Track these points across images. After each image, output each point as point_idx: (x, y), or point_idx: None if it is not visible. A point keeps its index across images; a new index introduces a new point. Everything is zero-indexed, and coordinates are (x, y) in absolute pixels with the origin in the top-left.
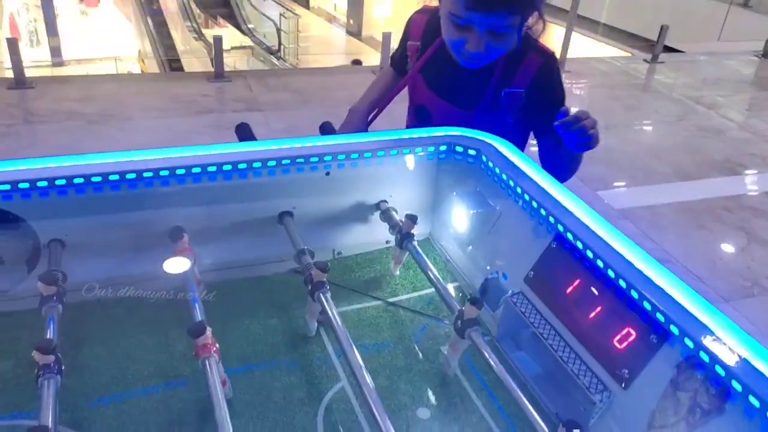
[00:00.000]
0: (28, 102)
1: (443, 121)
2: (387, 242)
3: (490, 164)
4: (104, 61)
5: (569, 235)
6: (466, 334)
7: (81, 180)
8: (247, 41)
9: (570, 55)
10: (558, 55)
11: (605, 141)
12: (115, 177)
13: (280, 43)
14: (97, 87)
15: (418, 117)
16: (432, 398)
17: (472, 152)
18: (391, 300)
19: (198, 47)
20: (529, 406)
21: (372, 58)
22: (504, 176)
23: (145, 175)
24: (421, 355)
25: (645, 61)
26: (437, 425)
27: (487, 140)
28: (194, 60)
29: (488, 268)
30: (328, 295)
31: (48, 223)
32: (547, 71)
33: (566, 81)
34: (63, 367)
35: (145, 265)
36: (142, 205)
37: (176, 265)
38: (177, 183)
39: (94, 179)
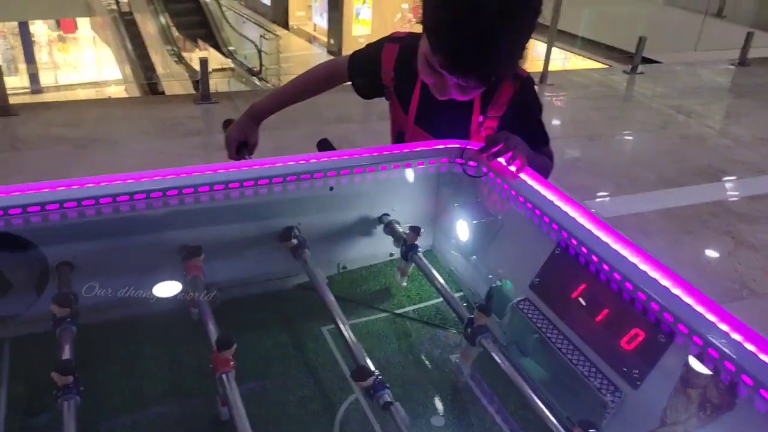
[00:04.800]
0: (13, 129)
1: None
2: (391, 255)
3: (491, 174)
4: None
5: (573, 241)
6: (476, 341)
7: (90, 202)
8: (227, 63)
9: (551, 68)
10: (540, 69)
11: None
12: (124, 198)
13: (261, 64)
14: (83, 112)
15: (400, 143)
16: (445, 406)
17: (472, 164)
18: (398, 311)
19: (179, 70)
20: (544, 410)
21: None
22: (505, 186)
23: (153, 195)
24: (431, 364)
25: (624, 72)
26: (451, 431)
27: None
28: (175, 83)
29: (490, 276)
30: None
31: (56, 246)
32: (522, 94)
33: (548, 94)
34: (81, 388)
35: (154, 286)
36: (150, 226)
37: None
38: (185, 202)
39: (103, 201)
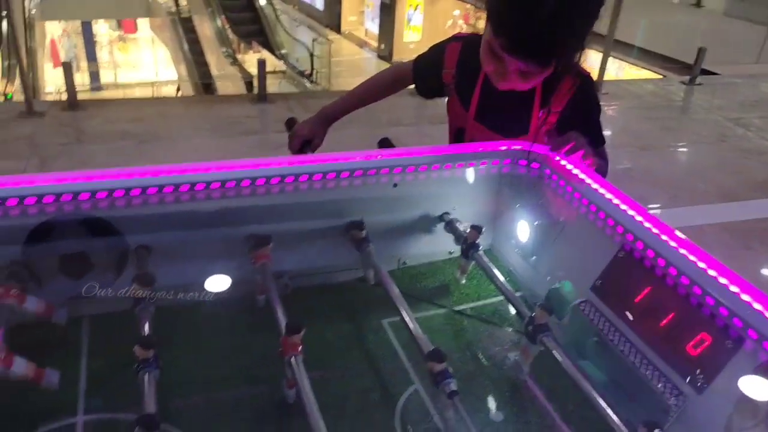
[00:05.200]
0: (79, 123)
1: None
2: (450, 252)
3: (554, 176)
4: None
5: (639, 244)
6: (537, 339)
7: (169, 189)
8: (279, 66)
9: (605, 77)
10: (595, 77)
11: (645, 162)
12: (201, 186)
13: (312, 68)
14: (145, 109)
15: (459, 140)
16: (504, 403)
17: (535, 165)
18: (457, 308)
19: (233, 72)
20: (607, 409)
21: None
22: (569, 188)
23: (227, 185)
24: (489, 361)
25: (682, 83)
26: (512, 428)
27: (549, 153)
28: (228, 84)
29: (548, 278)
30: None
31: (135, 230)
32: (583, 91)
33: (603, 103)
34: (161, 363)
35: (226, 272)
36: (223, 214)
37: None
38: (256, 192)
39: (182, 189)
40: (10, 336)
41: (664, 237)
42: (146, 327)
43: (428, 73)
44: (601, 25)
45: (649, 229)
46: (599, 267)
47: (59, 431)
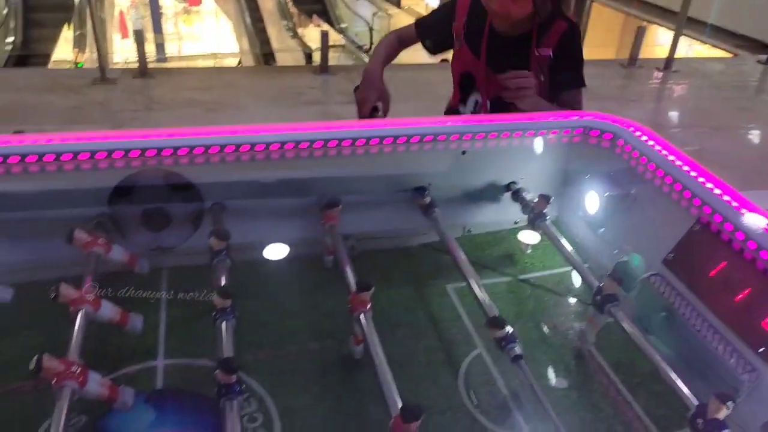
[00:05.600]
0: (149, 90)
1: (486, 84)
2: (515, 222)
3: (627, 147)
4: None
5: (717, 217)
6: (605, 309)
7: (246, 148)
8: (339, 40)
9: (677, 55)
10: (665, 55)
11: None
12: (275, 147)
13: (371, 42)
14: (212, 78)
15: (463, 83)
16: (568, 371)
17: (608, 136)
18: (521, 277)
19: (293, 45)
20: (677, 381)
21: None
22: (643, 159)
23: (301, 146)
24: (554, 330)
25: (758, 62)
26: (575, 394)
27: (624, 125)
28: (288, 57)
29: (616, 251)
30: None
31: (211, 187)
32: (570, 35)
33: (672, 81)
34: (237, 313)
35: (295, 232)
36: (294, 175)
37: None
38: (327, 155)
39: (258, 148)
40: (99, 283)
41: (743, 211)
42: (223, 279)
43: (439, 28)
44: (673, 2)
45: (729, 202)
46: (672, 240)
47: (141, 373)
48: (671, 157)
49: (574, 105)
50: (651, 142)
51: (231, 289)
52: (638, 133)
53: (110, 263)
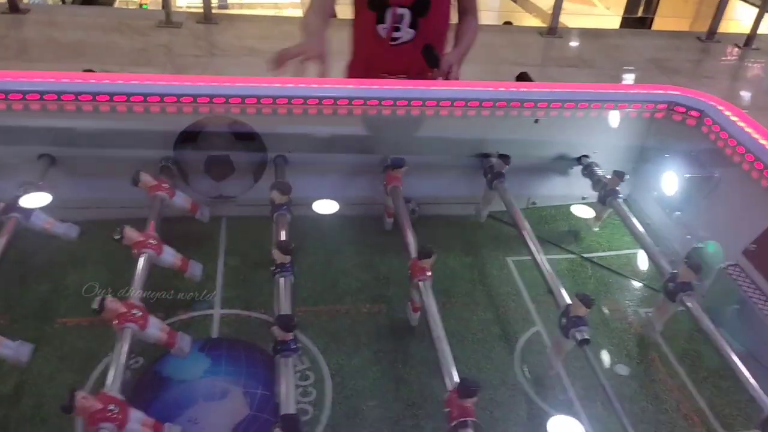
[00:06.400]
0: (212, 36)
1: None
2: (583, 198)
3: (715, 127)
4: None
5: None
6: (678, 297)
7: (314, 101)
8: None
9: (761, 30)
10: (747, 31)
11: None
12: (344, 102)
13: None
14: (272, 28)
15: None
16: (630, 357)
17: (694, 113)
18: (586, 255)
19: None
20: (750, 379)
21: (525, 19)
22: (731, 141)
23: (369, 103)
24: (618, 313)
25: None
26: (636, 382)
27: (712, 102)
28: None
29: (689, 237)
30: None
31: (275, 138)
32: None
33: (752, 60)
34: (295, 269)
35: (358, 191)
36: (360, 131)
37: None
38: (396, 114)
39: (326, 102)
40: (161, 227)
41: None
42: (283, 233)
43: None
44: None
45: None
46: (756, 230)
47: (197, 320)
48: (762, 141)
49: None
50: (742, 123)
51: (292, 244)
52: (728, 113)
53: (173, 208)
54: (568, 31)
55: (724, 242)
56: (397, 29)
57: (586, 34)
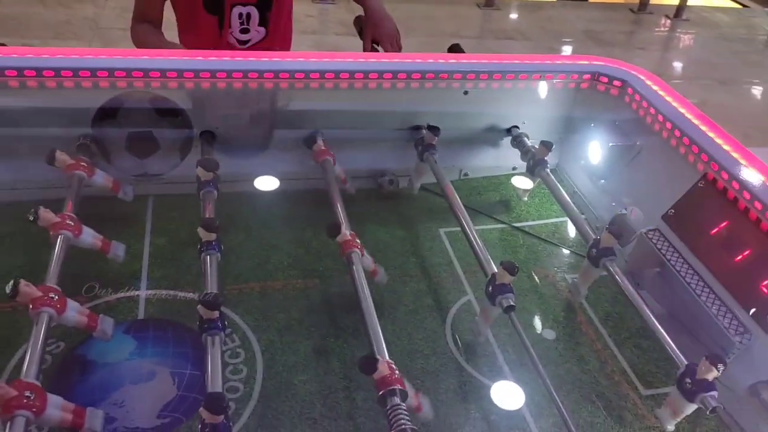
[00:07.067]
0: None
1: None
2: (514, 168)
3: (637, 96)
4: None
5: (724, 174)
6: (600, 263)
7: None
8: None
9: (690, 2)
10: (677, 2)
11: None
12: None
13: None
14: None
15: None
16: (557, 322)
17: (617, 83)
18: (516, 224)
19: None
20: (667, 337)
21: None
22: (652, 110)
23: (296, 76)
24: (546, 280)
25: None
26: (562, 345)
27: (634, 72)
28: None
29: (613, 204)
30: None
31: (202, 114)
32: None
33: (681, 30)
34: (222, 246)
35: (287, 165)
36: (289, 107)
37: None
38: (324, 87)
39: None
40: (79, 207)
41: (752, 169)
42: (209, 210)
43: None
44: None
45: (737, 160)
46: (674, 195)
47: (122, 302)
48: (682, 110)
49: None
50: (662, 93)
51: (217, 222)
52: (649, 83)
53: (94, 187)
54: (506, 4)
55: (646, 208)
56: (245, 31)
57: (523, 6)
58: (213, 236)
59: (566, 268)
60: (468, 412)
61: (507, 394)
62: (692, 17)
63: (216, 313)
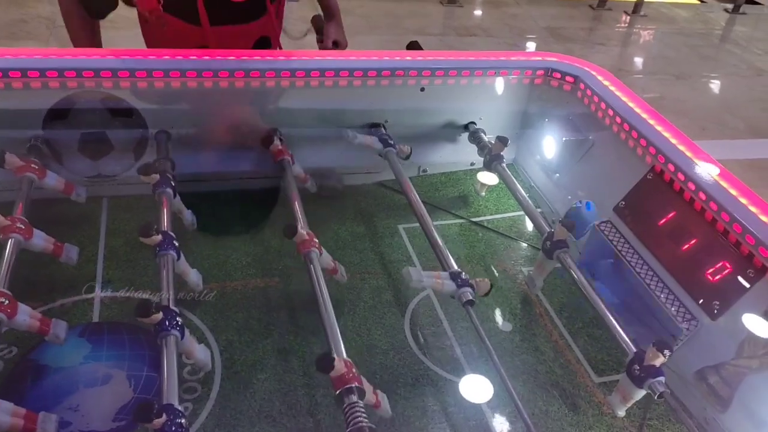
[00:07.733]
0: None
1: None
2: (472, 164)
3: (588, 92)
4: None
5: (670, 166)
6: (554, 255)
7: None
8: None
9: None
10: None
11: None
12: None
13: None
14: None
15: None
16: (514, 314)
17: (569, 79)
18: (474, 219)
19: None
20: (617, 327)
21: None
22: (602, 104)
23: (252, 74)
24: (503, 273)
25: (725, 11)
26: (518, 337)
27: (586, 68)
28: None
29: (569, 197)
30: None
31: (156, 113)
32: None
33: (640, 27)
34: (176, 243)
35: (245, 164)
36: (250, 104)
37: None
38: (280, 85)
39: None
40: (31, 210)
41: (697, 161)
42: (164, 212)
43: None
44: None
45: (683, 152)
46: (625, 188)
47: (77, 305)
48: (631, 104)
49: None
50: (612, 88)
51: (155, 226)
52: (600, 78)
53: (46, 190)
54: (469, 1)
55: (599, 201)
56: None
57: (486, 3)
58: (158, 239)
59: (523, 261)
60: (425, 405)
61: (476, 388)
62: (650, 13)
63: (159, 316)
